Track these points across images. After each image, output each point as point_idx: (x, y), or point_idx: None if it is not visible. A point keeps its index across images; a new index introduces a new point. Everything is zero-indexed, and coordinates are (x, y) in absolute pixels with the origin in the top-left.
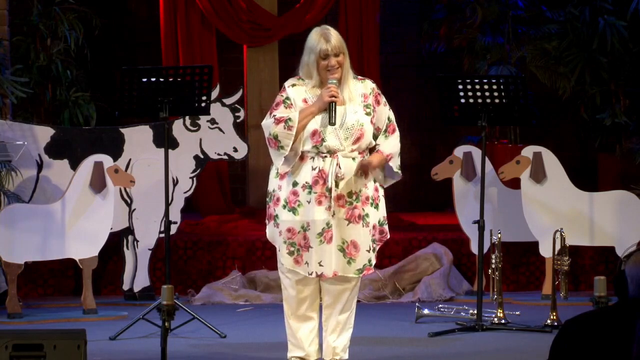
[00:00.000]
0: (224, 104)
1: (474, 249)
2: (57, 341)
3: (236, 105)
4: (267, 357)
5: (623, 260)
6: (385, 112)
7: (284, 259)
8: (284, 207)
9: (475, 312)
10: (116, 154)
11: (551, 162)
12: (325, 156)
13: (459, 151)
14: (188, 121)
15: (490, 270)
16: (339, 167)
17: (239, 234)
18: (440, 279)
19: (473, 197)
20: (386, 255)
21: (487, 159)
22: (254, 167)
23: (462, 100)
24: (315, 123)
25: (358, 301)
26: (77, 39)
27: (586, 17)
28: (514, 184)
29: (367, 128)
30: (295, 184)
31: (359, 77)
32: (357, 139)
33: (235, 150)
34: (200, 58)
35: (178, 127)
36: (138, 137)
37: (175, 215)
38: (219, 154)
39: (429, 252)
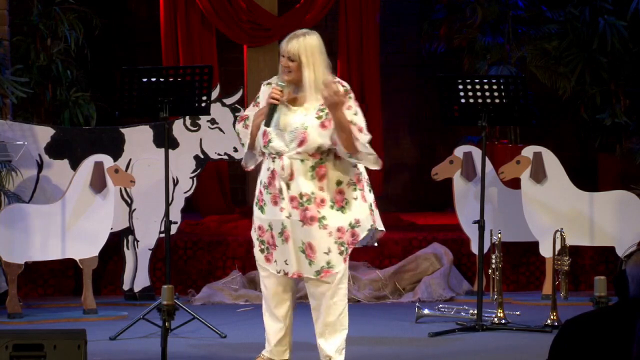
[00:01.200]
0: (224, 104)
1: (474, 249)
2: (57, 341)
3: (236, 105)
4: None
5: (623, 260)
6: (347, 116)
7: (257, 255)
8: (256, 204)
9: (476, 312)
10: (116, 154)
11: (551, 162)
12: (275, 157)
13: (459, 151)
14: (188, 121)
15: (490, 270)
16: (282, 169)
17: (239, 234)
18: (441, 279)
19: (473, 197)
20: (386, 255)
21: (487, 159)
22: (256, 167)
23: (462, 100)
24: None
25: (358, 301)
26: (77, 39)
27: (586, 17)
28: (514, 184)
29: (311, 131)
30: (260, 182)
31: (336, 80)
32: (301, 142)
33: (236, 150)
34: (200, 58)
35: (178, 127)
36: (138, 137)
37: (176, 215)
38: (219, 154)
39: (429, 252)
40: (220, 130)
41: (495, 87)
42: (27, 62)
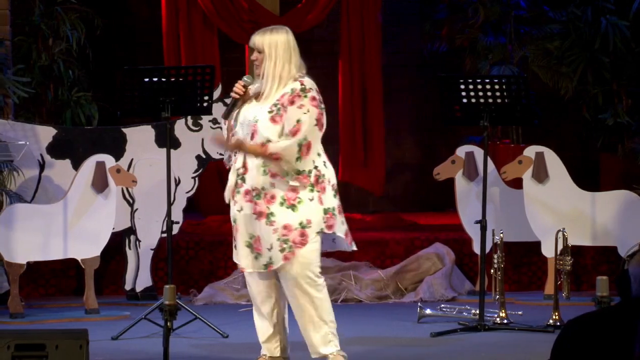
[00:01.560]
0: (226, 104)
1: (476, 248)
2: (59, 341)
3: None
4: None
5: (626, 259)
6: (297, 114)
7: (233, 252)
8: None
9: (478, 312)
10: (118, 154)
11: (553, 162)
12: (236, 152)
13: (461, 151)
14: (190, 121)
15: (492, 270)
16: (236, 162)
17: None
18: (443, 279)
19: (475, 197)
20: (388, 255)
21: (489, 158)
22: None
23: (465, 100)
24: (232, 118)
25: (360, 301)
26: (79, 38)
27: (588, 17)
28: (516, 183)
29: (260, 125)
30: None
31: (298, 78)
32: (252, 136)
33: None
34: (202, 58)
35: (180, 127)
36: (140, 137)
37: (178, 215)
38: (221, 154)
39: (431, 252)
40: (222, 130)
41: (497, 87)
42: (29, 62)
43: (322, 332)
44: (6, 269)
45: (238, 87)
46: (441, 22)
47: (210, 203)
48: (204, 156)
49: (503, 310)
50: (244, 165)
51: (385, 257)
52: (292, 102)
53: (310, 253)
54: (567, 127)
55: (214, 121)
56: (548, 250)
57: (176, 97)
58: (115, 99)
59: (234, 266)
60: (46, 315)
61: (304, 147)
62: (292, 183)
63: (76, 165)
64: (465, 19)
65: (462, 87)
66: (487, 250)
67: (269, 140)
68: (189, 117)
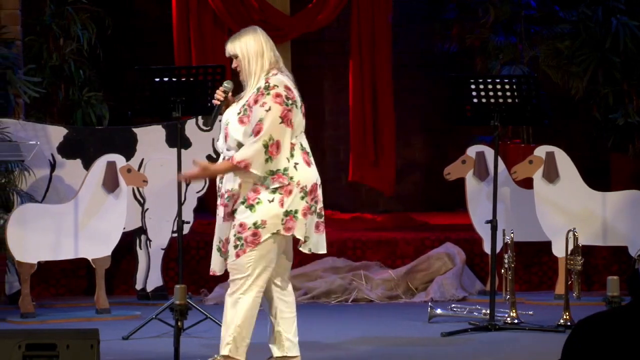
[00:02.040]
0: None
1: (487, 248)
2: (70, 341)
3: None
4: None
5: (636, 259)
6: (259, 114)
7: None
8: None
9: (488, 311)
10: (129, 153)
11: (564, 161)
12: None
13: (472, 151)
14: (200, 121)
15: (502, 270)
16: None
17: None
18: (453, 278)
19: (485, 197)
20: (398, 255)
21: (499, 158)
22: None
23: (475, 100)
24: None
25: (370, 301)
26: (90, 38)
27: (599, 17)
28: (527, 183)
29: (230, 127)
30: None
31: (270, 75)
32: (225, 139)
33: None
34: (212, 57)
35: (191, 127)
36: (150, 137)
37: (188, 215)
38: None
39: (442, 251)
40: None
41: (507, 86)
42: (40, 62)
43: (228, 331)
44: (17, 268)
45: (218, 93)
46: (451, 21)
47: None
48: (214, 156)
49: (514, 310)
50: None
51: (395, 257)
52: (256, 101)
53: (254, 256)
54: (577, 127)
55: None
56: (559, 250)
57: (187, 96)
58: (126, 98)
59: None
60: (57, 315)
61: (271, 147)
62: (272, 186)
63: (87, 165)
64: (475, 18)
65: (473, 87)
66: (498, 250)
67: (239, 143)
68: (199, 117)
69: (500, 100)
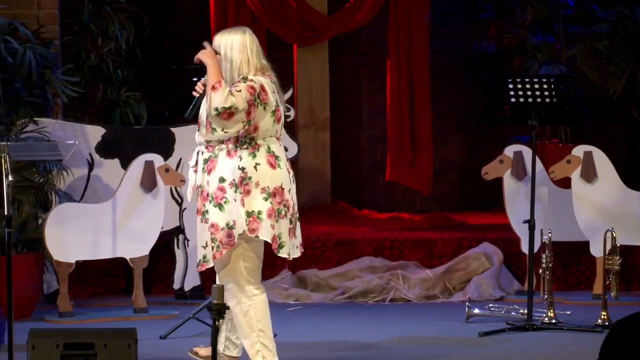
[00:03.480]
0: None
1: (525, 248)
2: (108, 340)
3: (286, 104)
4: (317, 356)
5: None
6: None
7: None
8: None
9: (526, 311)
10: (167, 153)
11: (602, 161)
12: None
13: (509, 150)
14: None
15: (540, 270)
16: (191, 159)
17: None
18: (491, 278)
19: (523, 197)
20: (436, 255)
21: (537, 158)
22: (304, 167)
23: (513, 100)
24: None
25: (408, 301)
26: (128, 38)
27: (637, 17)
28: (565, 183)
29: (202, 120)
30: None
31: (247, 80)
32: (204, 129)
33: (285, 149)
34: None
35: None
36: (188, 137)
37: None
38: None
39: (479, 251)
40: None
41: (545, 86)
42: (78, 62)
43: (249, 340)
44: (55, 268)
45: (199, 85)
46: (488, 21)
47: None
48: None
49: (551, 310)
50: (196, 164)
51: (433, 256)
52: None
53: (235, 257)
54: (615, 127)
55: None
56: (596, 250)
57: None
58: (164, 98)
59: (282, 265)
60: (95, 315)
61: (224, 112)
62: (235, 182)
63: (125, 165)
64: (513, 18)
65: (511, 86)
66: (536, 249)
67: (209, 140)
68: None
69: (538, 100)
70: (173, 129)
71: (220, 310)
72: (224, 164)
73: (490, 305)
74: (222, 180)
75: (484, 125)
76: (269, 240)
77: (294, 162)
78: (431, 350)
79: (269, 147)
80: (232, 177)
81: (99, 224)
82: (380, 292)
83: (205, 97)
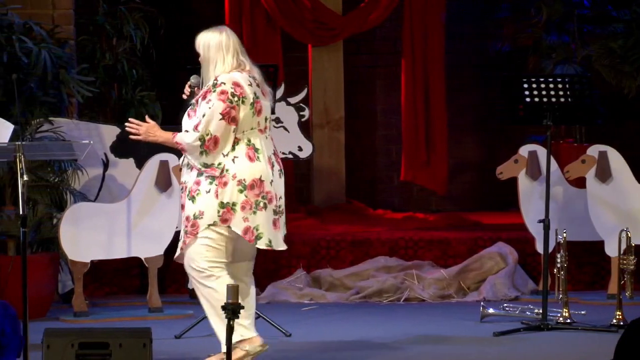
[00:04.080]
0: (288, 103)
1: (539, 248)
2: (122, 339)
3: (301, 104)
4: (332, 356)
5: None
6: (203, 109)
7: None
8: None
9: (541, 311)
10: (181, 152)
11: (617, 161)
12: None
13: (524, 150)
14: None
15: (555, 270)
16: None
17: (304, 233)
18: (505, 278)
19: (538, 196)
20: (450, 254)
21: (552, 158)
22: (319, 166)
23: (528, 100)
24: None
25: (422, 300)
26: (143, 38)
27: None
28: (580, 183)
29: (184, 122)
30: None
31: (217, 76)
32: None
33: (300, 149)
34: (264, 57)
35: None
36: None
37: None
38: (283, 153)
39: (494, 251)
40: (285, 129)
41: (560, 86)
42: (93, 62)
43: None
44: (70, 267)
45: (186, 88)
46: (503, 21)
47: None
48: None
49: (566, 310)
50: (182, 163)
51: (447, 256)
52: (204, 97)
53: (198, 247)
54: (630, 126)
55: (277, 120)
56: (611, 250)
57: None
58: (179, 98)
59: (297, 265)
60: (110, 314)
61: (208, 141)
62: (206, 174)
63: (140, 164)
64: (528, 18)
65: (526, 86)
66: (550, 249)
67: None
68: None
69: (553, 100)
70: None
71: (234, 310)
72: (202, 158)
73: (505, 305)
74: (199, 174)
75: (501, 124)
76: (240, 232)
77: (308, 162)
78: (446, 349)
79: (249, 140)
80: (209, 171)
81: (114, 223)
82: (395, 292)
83: (192, 99)
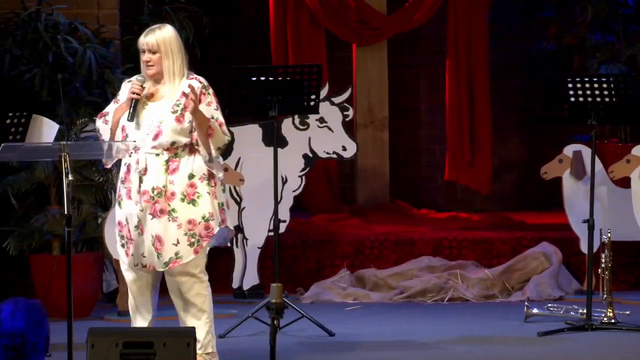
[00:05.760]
0: (332, 103)
1: (584, 248)
2: (167, 339)
3: (345, 104)
4: (376, 356)
5: None
6: (210, 112)
7: (119, 250)
8: (116, 199)
9: (585, 311)
10: (225, 152)
11: None
12: (131, 152)
13: (569, 150)
14: (297, 120)
15: (599, 270)
16: (137, 163)
17: (348, 232)
18: (550, 278)
19: (583, 196)
20: (494, 254)
21: (596, 157)
22: (363, 166)
23: (572, 99)
24: (124, 119)
25: (466, 300)
26: (188, 38)
27: None
28: (624, 183)
29: (165, 126)
30: (119, 177)
31: (193, 76)
32: (156, 136)
33: (344, 149)
34: (309, 57)
35: (287, 126)
36: (247, 136)
37: (285, 213)
38: (327, 153)
39: (538, 251)
40: (329, 129)
41: (605, 85)
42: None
43: (207, 327)
44: (115, 267)
45: (136, 87)
46: (548, 20)
47: (318, 202)
48: (310, 155)
49: (611, 310)
50: (145, 167)
51: (492, 256)
52: (200, 101)
53: (203, 252)
54: None
55: (321, 120)
56: None
57: (283, 96)
58: (223, 98)
59: (341, 265)
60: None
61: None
62: (197, 176)
63: None
64: (572, 17)
65: (570, 85)
66: (595, 249)
67: (174, 142)
68: (296, 116)
69: (598, 100)
70: (232, 129)
71: (279, 310)
72: (189, 161)
73: (549, 305)
74: (191, 176)
75: (545, 124)
76: (232, 229)
77: (352, 162)
78: (490, 349)
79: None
80: (201, 172)
81: None
82: (438, 292)
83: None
